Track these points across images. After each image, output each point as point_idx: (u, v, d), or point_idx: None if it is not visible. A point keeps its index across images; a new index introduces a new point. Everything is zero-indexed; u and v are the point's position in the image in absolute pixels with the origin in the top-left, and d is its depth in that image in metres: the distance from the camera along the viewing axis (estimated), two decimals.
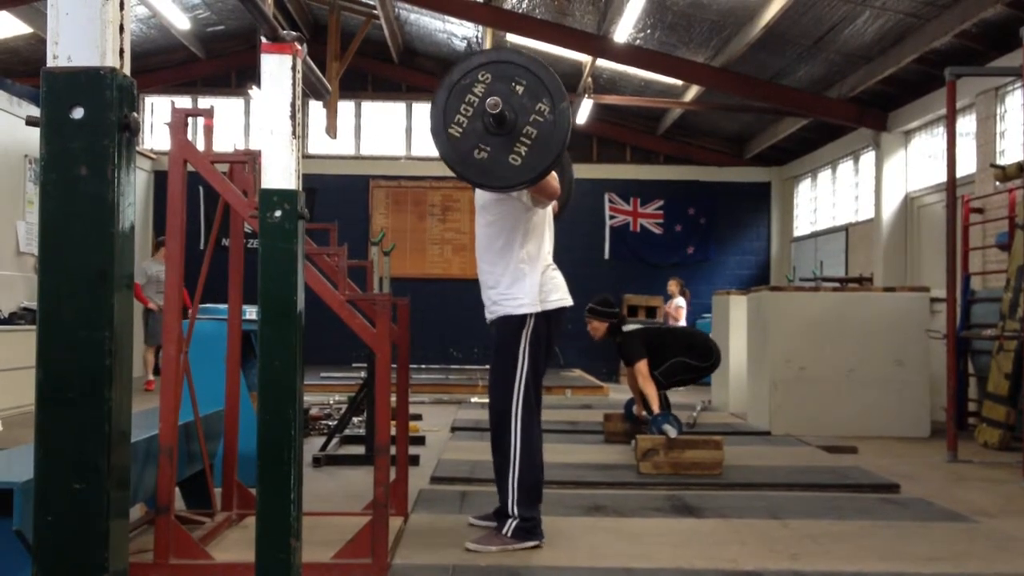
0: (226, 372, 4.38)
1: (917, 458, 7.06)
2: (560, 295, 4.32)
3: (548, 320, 4.25)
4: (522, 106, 3.73)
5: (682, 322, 13.14)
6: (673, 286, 13.55)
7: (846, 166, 13.97)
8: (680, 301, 13.43)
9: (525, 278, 4.20)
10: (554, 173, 4.05)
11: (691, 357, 7.15)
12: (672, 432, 6.01)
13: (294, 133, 2.56)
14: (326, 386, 11.48)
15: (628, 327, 7.22)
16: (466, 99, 3.76)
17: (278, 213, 2.54)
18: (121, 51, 1.64)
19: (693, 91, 13.39)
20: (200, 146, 3.97)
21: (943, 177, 7.72)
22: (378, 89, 16.47)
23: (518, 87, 3.74)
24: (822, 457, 6.83)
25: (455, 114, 3.77)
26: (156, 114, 16.26)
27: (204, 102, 16.09)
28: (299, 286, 2.54)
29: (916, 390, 8.35)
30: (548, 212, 4.41)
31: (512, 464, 4.15)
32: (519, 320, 4.19)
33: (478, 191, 4.36)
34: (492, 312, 4.30)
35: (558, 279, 4.35)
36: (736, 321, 10.26)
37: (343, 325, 3.76)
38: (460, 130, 3.77)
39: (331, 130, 13.69)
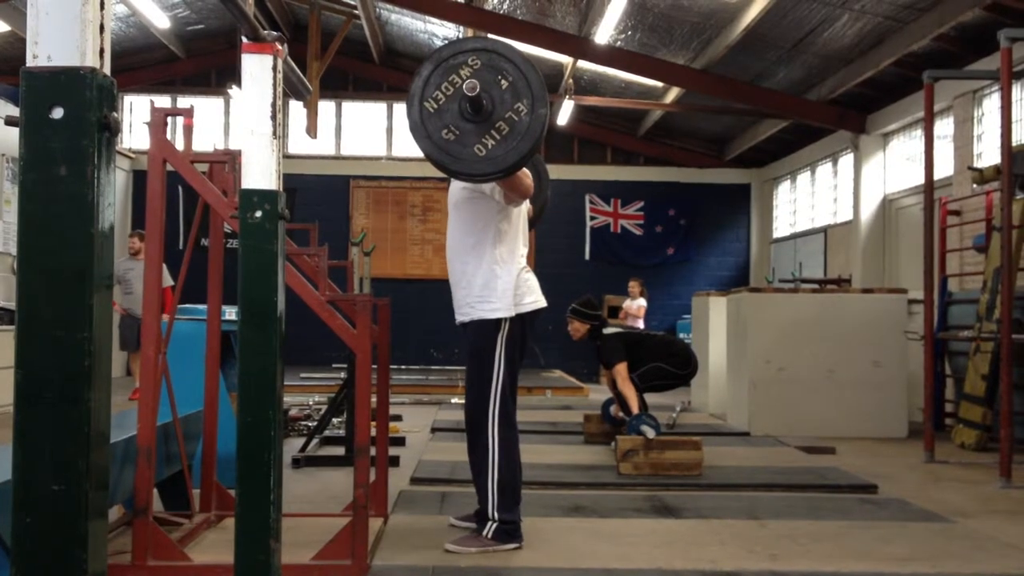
0: (205, 373, 4.36)
1: (895, 458, 7.11)
2: (534, 297, 4.31)
3: (523, 322, 4.24)
4: (502, 100, 3.71)
5: (640, 322, 13.22)
6: (634, 287, 13.61)
7: (825, 168, 14.05)
8: (642, 301, 13.50)
9: (498, 280, 4.17)
10: (527, 171, 4.04)
11: (669, 364, 7.15)
12: (650, 433, 6.03)
13: (275, 133, 2.56)
14: (306, 387, 11.45)
15: (608, 330, 7.24)
16: (449, 78, 3.73)
17: (258, 213, 2.53)
18: (101, 51, 1.64)
19: (674, 93, 13.43)
20: (180, 146, 3.96)
21: (921, 179, 7.77)
22: (359, 89, 16.44)
23: (503, 81, 3.72)
24: (800, 458, 6.86)
25: (435, 89, 3.74)
26: (135, 113, 16.17)
27: (184, 101, 16.02)
28: (279, 287, 2.53)
29: (894, 391, 8.41)
30: (523, 214, 4.40)
31: (491, 468, 4.14)
32: (494, 324, 4.17)
33: (451, 189, 4.35)
34: (464, 314, 4.27)
35: (532, 281, 4.33)
36: (716, 322, 10.31)
37: (323, 326, 3.76)
38: (435, 105, 3.74)
39: (311, 130, 13.65)
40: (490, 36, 11.11)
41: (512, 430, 4.21)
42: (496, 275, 4.18)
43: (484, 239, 4.19)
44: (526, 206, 4.42)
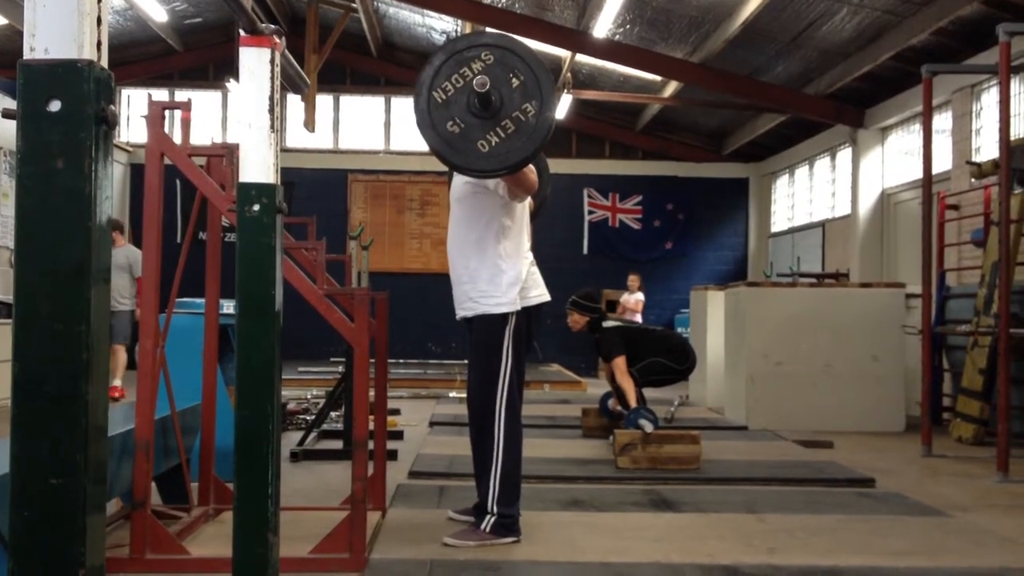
0: (203, 366, 4.36)
1: (892, 453, 7.11)
2: (539, 291, 4.32)
3: (528, 316, 4.24)
4: (511, 99, 3.69)
5: (639, 316, 13.27)
6: (633, 281, 13.67)
7: (823, 162, 14.05)
8: (640, 295, 13.57)
9: (503, 275, 4.16)
10: (531, 166, 4.03)
11: (668, 358, 7.16)
12: (648, 427, 6.03)
13: (272, 127, 2.55)
14: (304, 381, 11.46)
15: (608, 323, 7.24)
16: (461, 71, 3.71)
17: (256, 207, 2.53)
18: (98, 43, 1.63)
19: (672, 87, 13.42)
20: (177, 139, 3.95)
21: (919, 174, 7.77)
22: (357, 83, 16.42)
23: (515, 80, 3.70)
24: (798, 452, 6.87)
25: (445, 80, 3.72)
26: (133, 107, 16.13)
27: (181, 95, 15.98)
28: (277, 280, 2.53)
29: (891, 385, 8.42)
30: (526, 209, 4.39)
31: (495, 462, 4.14)
32: (501, 319, 4.16)
33: (454, 183, 4.34)
34: (468, 309, 4.25)
35: (536, 275, 4.34)
36: (714, 316, 10.30)
37: (321, 319, 3.75)
38: (443, 96, 3.73)
39: (309, 124, 13.63)
40: (486, 29, 11.09)
41: (518, 425, 4.20)
42: (501, 270, 4.16)
43: (487, 234, 4.18)
44: (528, 201, 4.41)
